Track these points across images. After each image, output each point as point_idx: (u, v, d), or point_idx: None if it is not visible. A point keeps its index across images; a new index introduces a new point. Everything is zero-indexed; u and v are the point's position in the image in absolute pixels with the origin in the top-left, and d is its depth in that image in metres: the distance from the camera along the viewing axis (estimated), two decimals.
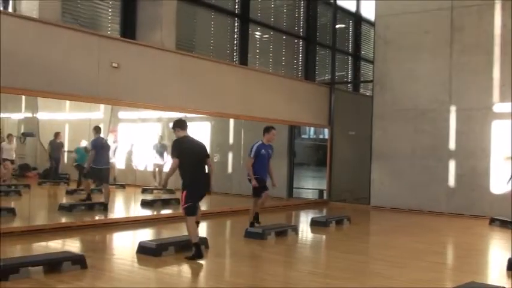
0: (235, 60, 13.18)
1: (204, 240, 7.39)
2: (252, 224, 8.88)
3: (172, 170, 6.89)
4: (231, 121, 13.73)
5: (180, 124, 7.08)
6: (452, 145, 12.67)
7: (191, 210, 6.87)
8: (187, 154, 6.85)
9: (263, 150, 8.87)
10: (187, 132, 7.06)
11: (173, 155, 6.86)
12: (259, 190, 8.86)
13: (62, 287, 5.42)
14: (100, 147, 10.74)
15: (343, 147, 15.27)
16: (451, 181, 12.61)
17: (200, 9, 12.52)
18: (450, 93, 12.69)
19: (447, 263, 7.93)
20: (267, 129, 9.05)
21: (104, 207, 10.42)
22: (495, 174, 11.98)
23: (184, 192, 6.85)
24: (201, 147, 7.14)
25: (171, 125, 7.33)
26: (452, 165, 12.63)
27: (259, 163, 8.85)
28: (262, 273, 6.61)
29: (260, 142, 8.95)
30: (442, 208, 12.57)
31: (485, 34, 12.31)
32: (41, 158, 12.35)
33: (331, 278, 6.34)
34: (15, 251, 7.15)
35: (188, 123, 7.19)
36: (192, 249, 6.81)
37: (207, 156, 7.13)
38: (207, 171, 7.12)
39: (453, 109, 12.67)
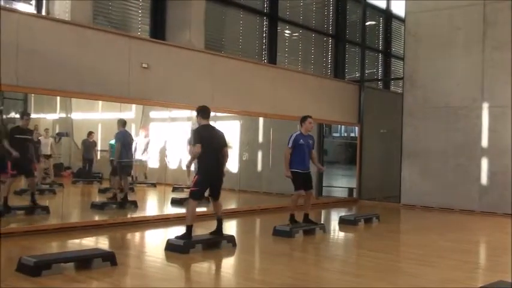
0: (264, 59, 13.23)
1: (231, 238, 7.50)
2: (292, 217, 8.80)
3: (195, 155, 7.12)
4: (260, 120, 13.79)
5: (202, 112, 7.28)
6: (484, 143, 12.47)
7: (197, 195, 7.15)
8: (206, 142, 7.02)
9: (301, 140, 8.68)
10: (208, 121, 7.23)
11: (196, 141, 7.06)
12: (298, 184, 8.68)
13: (93, 283, 5.55)
14: (124, 141, 10.81)
15: (373, 145, 15.17)
16: (484, 179, 12.42)
17: (229, 9, 12.61)
18: (482, 90, 12.49)
19: (477, 262, 7.82)
20: (303, 119, 8.92)
21: (135, 204, 10.54)
22: None
23: (197, 177, 7.11)
24: (221, 136, 7.34)
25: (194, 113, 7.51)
26: (484, 163, 12.43)
27: (298, 154, 8.67)
28: (290, 271, 6.62)
29: (298, 132, 8.82)
30: (474, 206, 12.38)
31: None
32: (75, 158, 12.64)
33: (359, 276, 6.33)
34: (49, 247, 7.34)
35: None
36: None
37: (225, 145, 7.30)
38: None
39: (485, 106, 12.47)
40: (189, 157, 13.26)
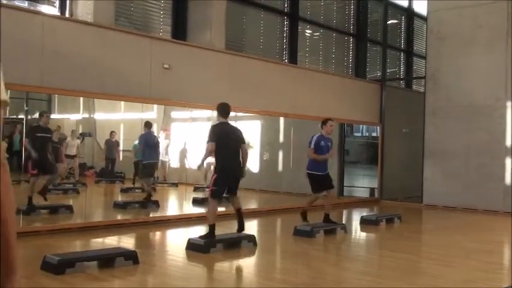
0: (285, 59, 13.24)
1: (252, 238, 7.51)
2: (327, 218, 8.92)
3: (208, 153, 7.14)
4: (281, 120, 13.79)
5: (221, 109, 7.25)
6: (508, 142, 12.30)
7: (216, 194, 7.11)
8: (221, 140, 7.01)
9: (322, 142, 8.80)
10: (227, 119, 7.21)
11: (209, 139, 7.05)
12: (316, 186, 8.81)
13: (115, 281, 5.63)
14: (148, 143, 10.90)
15: (395, 145, 15.07)
16: (508, 179, 12.25)
17: (249, 9, 12.65)
18: (506, 88, 12.33)
19: (499, 262, 7.71)
20: (324, 122, 9.01)
21: (156, 205, 10.64)
22: None
23: (215, 176, 7.10)
24: (237, 134, 7.28)
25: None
26: (508, 162, 12.26)
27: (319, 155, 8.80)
28: (311, 271, 6.64)
29: (319, 134, 8.91)
30: (497, 207, 12.22)
31: None
32: (98, 157, 12.77)
33: (380, 276, 6.31)
34: (72, 246, 7.45)
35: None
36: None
37: (243, 142, 7.25)
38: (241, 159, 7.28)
39: (509, 105, 12.30)
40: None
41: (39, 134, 9.16)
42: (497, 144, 12.40)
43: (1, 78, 1.51)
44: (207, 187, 13.16)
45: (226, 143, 7.06)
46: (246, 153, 7.35)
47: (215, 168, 7.17)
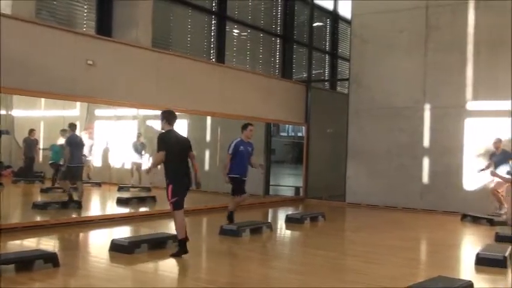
0: (212, 58, 13.19)
1: (177, 238, 7.41)
2: (230, 218, 8.98)
3: (157, 162, 6.86)
4: (208, 119, 13.74)
5: (167, 117, 7.00)
6: (426, 143, 12.85)
7: (178, 204, 6.84)
8: (172, 148, 6.81)
9: (242, 147, 8.92)
10: (173, 127, 7.04)
11: (159, 149, 6.80)
12: (237, 189, 8.94)
13: (35, 284, 5.40)
14: (75, 145, 10.62)
15: (319, 145, 15.37)
16: (425, 178, 12.79)
17: (177, 7, 12.50)
18: (424, 91, 12.86)
19: (419, 258, 8.05)
20: (244, 126, 9.14)
21: (78, 205, 10.34)
22: (468, 171, 12.16)
23: (170, 186, 6.80)
24: (185, 141, 7.11)
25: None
26: (426, 162, 12.80)
27: (239, 160, 8.90)
28: (237, 270, 6.64)
29: (239, 139, 9.03)
30: (416, 205, 12.73)
31: (459, 33, 12.49)
32: (16, 156, 12.22)
33: (305, 274, 6.39)
34: None
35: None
36: (174, 246, 6.98)
37: (191, 149, 7.12)
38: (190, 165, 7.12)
39: (427, 107, 12.84)
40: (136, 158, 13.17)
41: None
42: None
43: None
44: (132, 186, 13.10)
45: (177, 151, 6.83)
46: (194, 161, 7.18)
47: (169, 178, 6.81)
